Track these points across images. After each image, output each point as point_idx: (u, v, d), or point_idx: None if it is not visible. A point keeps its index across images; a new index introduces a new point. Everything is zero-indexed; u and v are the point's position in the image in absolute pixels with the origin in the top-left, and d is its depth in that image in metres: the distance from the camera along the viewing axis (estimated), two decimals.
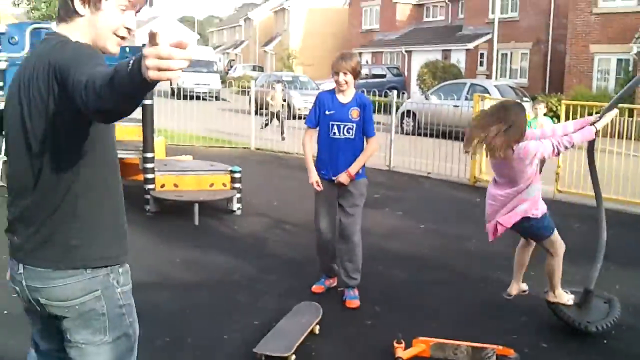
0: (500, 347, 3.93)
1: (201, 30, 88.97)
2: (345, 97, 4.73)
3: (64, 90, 1.82)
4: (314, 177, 4.78)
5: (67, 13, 2.02)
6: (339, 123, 4.70)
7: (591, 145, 4.64)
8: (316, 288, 5.03)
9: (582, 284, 4.55)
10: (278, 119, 15.95)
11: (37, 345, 2.26)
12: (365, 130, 4.76)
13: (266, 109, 15.92)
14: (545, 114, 8.94)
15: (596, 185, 4.66)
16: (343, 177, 4.70)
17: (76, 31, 2.02)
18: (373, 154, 4.94)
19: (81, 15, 2.01)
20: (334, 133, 4.72)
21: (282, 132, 15.33)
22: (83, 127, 1.92)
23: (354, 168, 4.70)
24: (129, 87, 1.55)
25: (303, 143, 4.97)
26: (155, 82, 1.51)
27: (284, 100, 16.35)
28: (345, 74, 4.63)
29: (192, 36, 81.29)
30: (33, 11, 26.05)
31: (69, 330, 2.06)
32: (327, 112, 4.73)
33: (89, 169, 2.00)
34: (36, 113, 1.93)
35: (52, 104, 1.89)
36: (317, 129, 4.83)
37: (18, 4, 26.77)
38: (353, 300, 4.83)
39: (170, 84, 28.78)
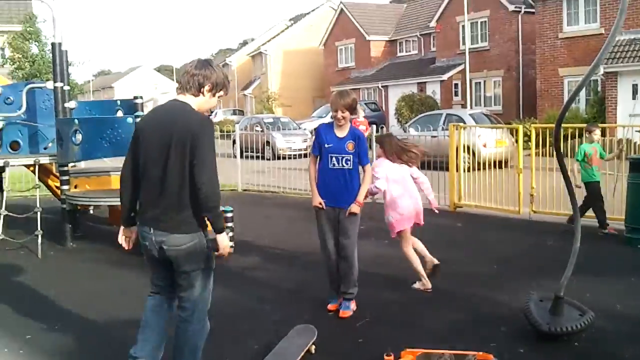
0: (481, 353, 4.32)
1: (180, 78, 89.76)
2: (341, 132, 5.30)
3: (191, 155, 3.49)
4: (317, 199, 5.33)
5: (195, 92, 3.67)
6: (337, 155, 5.26)
7: (562, 162, 5.05)
8: (331, 307, 5.51)
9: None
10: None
11: (156, 287, 3.85)
12: (360, 160, 5.32)
13: None
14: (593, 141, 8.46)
15: (572, 197, 5.06)
16: (355, 208, 5.27)
17: (196, 102, 3.68)
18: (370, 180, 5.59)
19: (203, 96, 3.70)
20: (334, 164, 5.28)
21: None
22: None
23: (361, 196, 5.30)
24: (217, 222, 3.62)
25: (309, 169, 5.53)
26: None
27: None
28: (342, 111, 5.20)
29: (171, 85, 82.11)
30: (17, 70, 26.44)
31: (181, 264, 3.62)
32: (326, 145, 5.29)
33: (192, 184, 3.55)
34: (176, 152, 3.51)
35: (187, 153, 3.49)
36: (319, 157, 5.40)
37: (2, 64, 27.15)
38: (346, 310, 5.35)
39: None
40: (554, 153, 9.10)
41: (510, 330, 4.98)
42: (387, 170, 5.97)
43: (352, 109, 5.26)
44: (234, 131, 14.71)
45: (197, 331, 3.79)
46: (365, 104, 32.66)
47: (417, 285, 6.16)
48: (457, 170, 10.79)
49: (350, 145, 5.26)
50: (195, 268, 3.64)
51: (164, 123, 3.58)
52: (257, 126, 23.34)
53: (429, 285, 6.09)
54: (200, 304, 3.75)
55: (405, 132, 18.07)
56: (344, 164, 5.27)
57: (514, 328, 5.01)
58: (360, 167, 5.39)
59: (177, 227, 3.54)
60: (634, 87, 20.19)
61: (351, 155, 5.26)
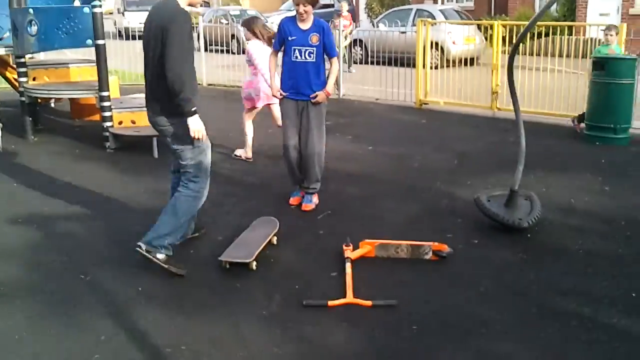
0: (436, 244, 4.47)
1: None
2: (305, 24, 5.24)
3: (163, 47, 3.86)
4: (275, 88, 5.41)
5: None
6: (301, 48, 5.22)
7: (510, 62, 5.09)
8: (293, 200, 5.59)
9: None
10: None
11: (172, 166, 4.54)
12: (327, 52, 5.30)
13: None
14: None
15: (514, 95, 5.13)
16: (322, 97, 5.26)
17: None
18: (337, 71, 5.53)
19: None
20: (296, 57, 5.24)
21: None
22: None
23: (330, 87, 5.29)
24: (183, 107, 3.97)
25: (269, 63, 5.54)
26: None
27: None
28: (304, 5, 5.14)
29: None
30: None
31: (170, 142, 4.20)
32: (289, 38, 5.23)
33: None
34: (154, 46, 3.92)
35: (160, 46, 3.88)
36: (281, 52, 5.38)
37: None
38: (308, 204, 5.45)
39: (115, 24, 28.09)
40: (522, 51, 9.11)
41: (466, 223, 5.15)
42: (264, 53, 6.41)
43: (314, 3, 5.20)
44: (197, 24, 14.26)
45: (188, 196, 4.25)
46: None
47: (239, 152, 7.20)
48: (423, 67, 10.71)
49: (314, 38, 5.21)
50: (180, 145, 4.15)
51: (150, 20, 4.02)
52: (223, 19, 22.68)
53: (250, 155, 7.12)
54: (195, 170, 4.22)
55: (374, 27, 17.76)
56: (307, 57, 5.23)
57: (469, 220, 5.17)
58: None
59: (161, 111, 4.08)
60: None
61: (314, 48, 5.22)
